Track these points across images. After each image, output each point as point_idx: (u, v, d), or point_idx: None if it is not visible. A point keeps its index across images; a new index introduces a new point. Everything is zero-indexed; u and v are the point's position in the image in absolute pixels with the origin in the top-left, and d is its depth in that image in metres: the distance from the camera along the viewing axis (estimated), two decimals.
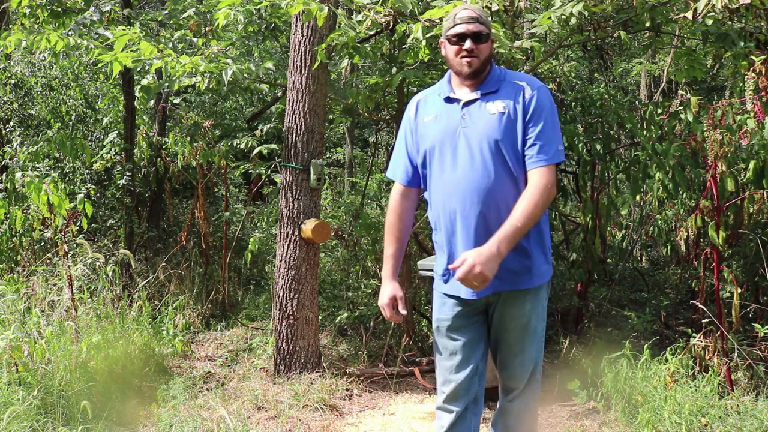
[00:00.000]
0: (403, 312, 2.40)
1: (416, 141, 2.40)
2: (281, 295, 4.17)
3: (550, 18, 3.59)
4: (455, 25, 2.28)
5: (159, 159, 5.93)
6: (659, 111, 4.37)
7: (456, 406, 2.37)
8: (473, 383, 2.38)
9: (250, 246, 5.40)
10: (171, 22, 5.78)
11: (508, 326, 2.34)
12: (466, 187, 2.24)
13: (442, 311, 2.41)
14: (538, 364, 2.40)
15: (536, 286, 2.32)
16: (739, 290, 3.68)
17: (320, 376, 4.10)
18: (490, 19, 2.37)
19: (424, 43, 3.61)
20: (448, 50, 2.32)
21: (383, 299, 2.41)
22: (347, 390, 4.04)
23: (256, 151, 5.63)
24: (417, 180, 2.44)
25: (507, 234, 2.12)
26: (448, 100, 2.34)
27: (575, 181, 4.84)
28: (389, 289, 2.41)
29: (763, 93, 3.64)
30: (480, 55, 2.27)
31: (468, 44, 2.26)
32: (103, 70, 6.65)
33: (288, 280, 4.15)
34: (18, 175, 4.79)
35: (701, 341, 3.64)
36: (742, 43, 3.88)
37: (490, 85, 2.30)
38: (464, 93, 2.32)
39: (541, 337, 2.39)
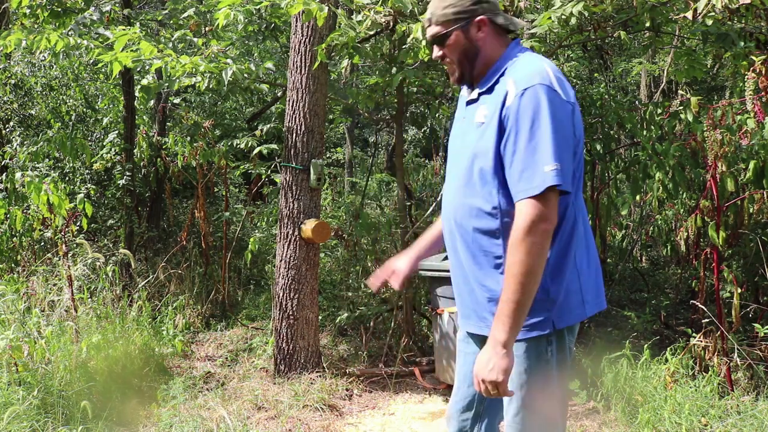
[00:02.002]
0: (394, 285, 2.11)
1: None
2: (281, 295, 4.16)
3: (550, 18, 3.59)
4: None
5: (159, 159, 5.93)
6: (659, 111, 4.37)
7: None
8: (465, 422, 2.03)
9: (250, 246, 5.40)
10: (171, 22, 5.78)
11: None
12: (447, 203, 1.95)
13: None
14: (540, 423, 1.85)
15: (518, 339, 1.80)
16: (739, 290, 3.68)
17: (320, 376, 4.09)
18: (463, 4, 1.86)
19: (424, 43, 3.61)
20: None
21: (387, 264, 2.12)
22: (347, 390, 4.04)
23: (256, 151, 5.63)
24: None
25: (501, 316, 1.71)
26: (464, 99, 1.98)
27: None
28: (399, 260, 2.13)
29: (763, 93, 3.64)
30: (452, 58, 1.89)
31: (435, 52, 1.92)
32: (103, 70, 6.65)
33: (288, 280, 4.15)
34: (18, 175, 4.79)
35: (701, 341, 3.64)
36: (742, 43, 3.88)
37: (487, 81, 1.86)
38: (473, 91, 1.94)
39: (535, 409, 1.83)
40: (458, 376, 2.06)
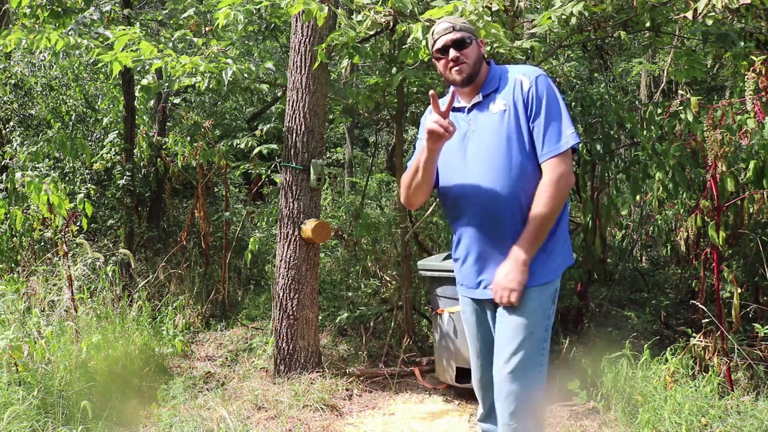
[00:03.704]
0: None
1: None
2: (281, 295, 4.17)
3: (550, 18, 3.59)
4: (435, 41, 2.32)
5: (159, 159, 5.93)
6: (659, 111, 4.37)
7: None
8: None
9: (250, 246, 5.40)
10: (171, 22, 5.78)
11: (500, 322, 2.28)
12: (478, 189, 2.26)
13: (462, 307, 2.48)
14: (533, 372, 2.22)
15: (531, 286, 2.22)
16: (739, 290, 3.68)
17: (320, 376, 4.10)
18: (488, 19, 2.38)
19: (424, 43, 3.61)
20: (439, 67, 2.35)
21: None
22: (347, 390, 4.04)
23: (256, 151, 5.63)
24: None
25: (526, 238, 2.17)
26: (455, 109, 2.36)
27: (575, 181, 4.84)
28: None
29: (763, 93, 3.64)
30: (467, 59, 2.28)
31: (452, 53, 2.28)
32: (103, 70, 6.65)
33: (288, 280, 4.15)
34: (18, 175, 4.78)
35: (701, 341, 3.64)
36: (742, 43, 3.88)
37: (491, 84, 2.31)
38: (467, 99, 2.35)
39: (539, 342, 2.24)
40: (487, 344, 2.40)
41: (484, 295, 2.33)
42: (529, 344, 2.22)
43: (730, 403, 3.38)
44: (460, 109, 2.35)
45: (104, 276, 4.48)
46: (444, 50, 2.30)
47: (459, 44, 2.28)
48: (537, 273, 2.24)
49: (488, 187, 2.24)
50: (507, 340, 2.24)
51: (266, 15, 5.78)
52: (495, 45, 3.58)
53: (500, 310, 2.28)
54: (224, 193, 6.01)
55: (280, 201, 4.22)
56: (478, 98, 2.31)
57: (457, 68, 2.28)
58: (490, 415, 2.47)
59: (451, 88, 2.38)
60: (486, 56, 2.42)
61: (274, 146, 5.64)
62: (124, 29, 4.17)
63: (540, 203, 2.17)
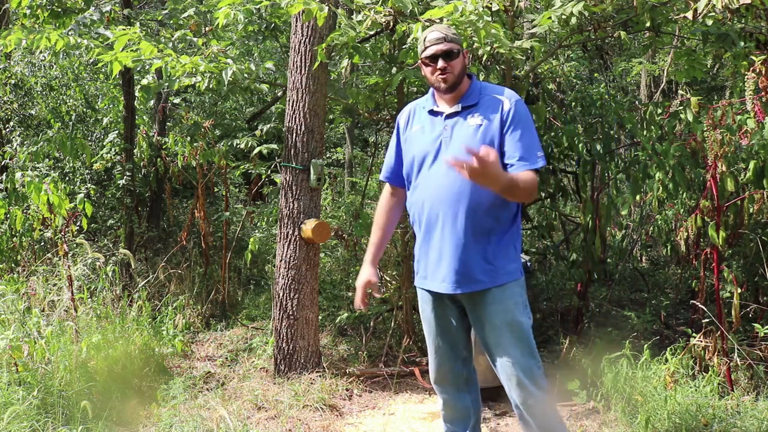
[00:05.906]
0: (376, 295, 2.72)
1: (405, 148, 2.64)
2: (281, 295, 4.17)
3: (550, 18, 3.59)
4: (426, 48, 2.49)
5: (159, 159, 5.93)
6: (659, 111, 4.37)
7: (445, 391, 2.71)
8: (459, 371, 2.66)
9: (250, 246, 5.40)
10: (171, 22, 5.78)
11: (485, 326, 2.49)
12: (444, 190, 2.44)
13: (422, 304, 2.67)
14: (529, 364, 2.45)
15: (502, 284, 2.44)
16: (739, 290, 3.68)
17: (320, 376, 4.10)
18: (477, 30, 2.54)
19: None
20: (425, 71, 2.53)
21: (359, 281, 2.72)
22: (347, 390, 4.04)
23: (256, 151, 5.63)
24: (402, 181, 2.69)
25: (510, 178, 2.29)
26: (432, 112, 2.55)
27: (575, 181, 4.84)
28: (366, 273, 2.71)
29: (763, 93, 3.64)
30: (453, 70, 2.46)
31: (440, 63, 2.46)
32: (103, 70, 6.64)
33: (288, 280, 4.15)
34: (18, 175, 4.78)
35: (701, 341, 3.64)
36: (742, 43, 3.88)
37: (471, 98, 2.50)
38: (446, 106, 2.53)
39: (524, 336, 2.46)
40: (444, 340, 2.61)
41: (442, 288, 2.50)
42: (520, 342, 2.48)
43: (730, 403, 3.38)
44: (437, 113, 2.53)
45: (104, 276, 4.47)
46: (433, 58, 2.46)
47: (447, 55, 2.45)
48: (510, 270, 2.48)
49: (454, 191, 2.42)
50: (495, 340, 2.49)
51: (266, 15, 5.77)
52: (495, 45, 3.58)
53: (478, 313, 2.49)
54: (224, 193, 6.00)
55: (280, 201, 4.22)
56: (457, 108, 2.49)
57: (443, 77, 2.46)
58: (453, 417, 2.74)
59: (431, 91, 2.61)
60: (471, 65, 2.58)
61: (274, 146, 5.64)
62: (124, 29, 4.17)
63: (522, 180, 2.33)
